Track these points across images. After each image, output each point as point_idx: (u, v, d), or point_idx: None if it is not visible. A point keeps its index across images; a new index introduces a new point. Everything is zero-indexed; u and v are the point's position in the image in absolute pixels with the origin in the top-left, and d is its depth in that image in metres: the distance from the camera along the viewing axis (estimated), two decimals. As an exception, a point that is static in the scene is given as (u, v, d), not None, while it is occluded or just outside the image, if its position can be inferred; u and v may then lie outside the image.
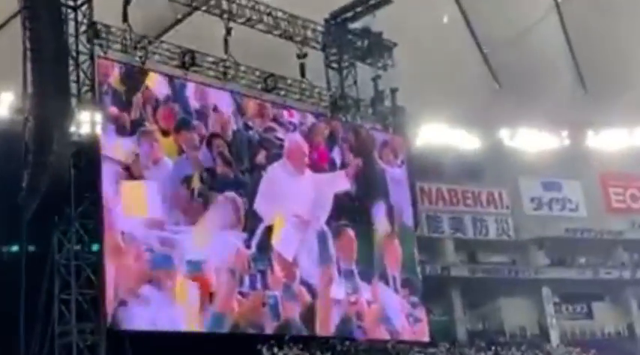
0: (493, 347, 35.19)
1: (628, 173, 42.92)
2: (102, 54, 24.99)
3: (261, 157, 28.70)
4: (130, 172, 24.61)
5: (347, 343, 30.08)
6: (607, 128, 41.37)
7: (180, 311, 24.76)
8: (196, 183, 26.34)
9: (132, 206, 24.32)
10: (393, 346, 31.15)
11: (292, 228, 28.87)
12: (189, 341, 24.63)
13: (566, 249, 41.06)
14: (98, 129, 23.79)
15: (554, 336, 38.40)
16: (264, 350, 28.96)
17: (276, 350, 29.12)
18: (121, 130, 24.86)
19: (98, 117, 23.74)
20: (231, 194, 27.21)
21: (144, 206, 24.87)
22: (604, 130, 41.49)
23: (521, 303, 39.54)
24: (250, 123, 28.79)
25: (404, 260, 31.89)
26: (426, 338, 32.01)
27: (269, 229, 27.96)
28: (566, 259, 41.08)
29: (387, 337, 30.78)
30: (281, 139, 29.50)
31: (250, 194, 27.76)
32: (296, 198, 29.55)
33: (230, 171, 27.56)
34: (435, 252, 38.19)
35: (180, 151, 26.27)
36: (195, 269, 25.18)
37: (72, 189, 22.68)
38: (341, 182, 30.99)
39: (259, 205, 27.96)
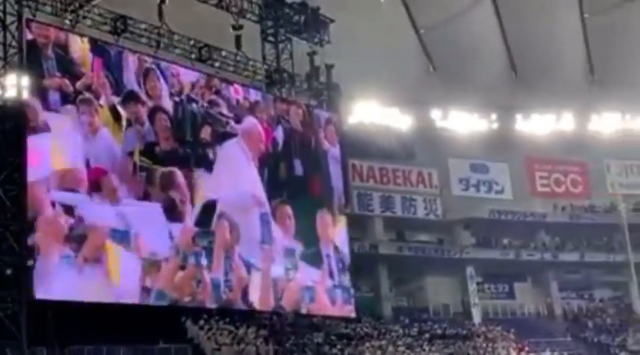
0: (417, 324, 35.30)
1: (553, 157, 43.46)
2: (30, 16, 24.18)
3: (205, 133, 28.44)
4: (60, 140, 24.06)
5: (274, 317, 30.04)
6: (535, 112, 41.64)
7: (109, 283, 24.36)
8: (138, 157, 25.96)
9: (62, 175, 23.80)
10: (320, 321, 31.22)
11: (236, 207, 28.70)
12: (114, 313, 24.31)
13: (490, 230, 41.45)
14: (25, 94, 23.16)
15: (476, 314, 38.81)
16: (189, 323, 28.81)
17: (202, 322, 28.95)
18: (57, 97, 24.30)
19: (25, 80, 23.07)
20: (174, 168, 26.98)
21: (75, 176, 24.32)
22: (532, 115, 41.75)
23: (446, 282, 39.92)
24: (193, 96, 28.40)
25: (335, 237, 31.97)
26: (353, 315, 32.13)
27: (212, 206, 27.81)
28: (491, 240, 41.49)
29: (316, 312, 30.86)
30: (226, 116, 29.23)
31: (194, 169, 27.59)
32: (245, 177, 29.44)
33: (173, 145, 27.24)
34: (365, 229, 38.17)
35: (121, 123, 25.68)
36: (127, 236, 24.91)
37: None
38: (283, 163, 31.04)
39: (204, 181, 27.88)
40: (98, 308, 24.02)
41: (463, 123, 40.74)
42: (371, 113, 37.59)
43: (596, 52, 42.27)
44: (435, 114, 40.22)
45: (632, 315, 38.91)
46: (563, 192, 44.10)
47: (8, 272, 22.04)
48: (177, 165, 27.20)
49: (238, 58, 30.41)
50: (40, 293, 22.28)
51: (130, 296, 25.05)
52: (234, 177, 29.27)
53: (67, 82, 24.59)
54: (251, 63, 31.05)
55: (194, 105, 28.41)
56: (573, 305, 41.42)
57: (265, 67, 31.73)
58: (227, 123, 29.27)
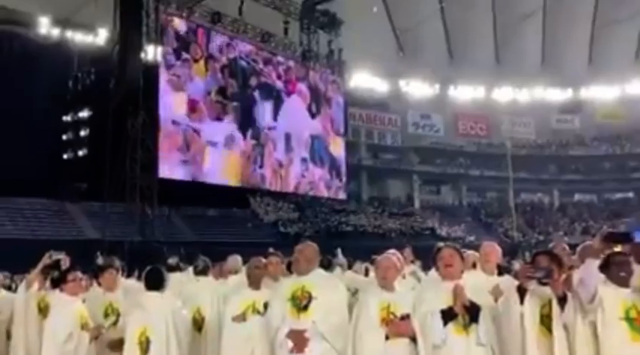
0: (382, 207, 35.80)
1: (472, 112, 42.93)
2: (162, 8, 24.07)
3: (254, 82, 28.00)
4: (175, 84, 24.13)
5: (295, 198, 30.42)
6: (463, 85, 41.12)
7: (205, 170, 24.66)
8: (214, 95, 25.87)
9: (176, 106, 24.01)
10: (324, 201, 31.78)
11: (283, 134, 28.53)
12: (205, 190, 24.78)
13: (429, 154, 41.33)
14: (159, 56, 23.23)
15: (417, 203, 39.22)
16: (251, 198, 29.34)
17: (257, 198, 29.52)
18: (173, 59, 24.32)
19: (159, 49, 23.13)
20: (236, 103, 26.74)
21: (183, 106, 24.50)
22: (461, 86, 41.29)
23: (401, 183, 40.07)
24: (248, 59, 28.01)
25: (338, 154, 31.96)
26: (344, 197, 32.50)
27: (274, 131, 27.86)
28: (429, 160, 41.32)
29: (321, 194, 31.21)
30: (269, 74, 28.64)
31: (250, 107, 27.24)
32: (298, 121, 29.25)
33: (236, 87, 26.87)
34: (355, 150, 38.10)
35: (206, 73, 25.47)
36: (213, 141, 24.94)
37: (140, 92, 22.24)
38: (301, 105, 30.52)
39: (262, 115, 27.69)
40: (197, 184, 24.60)
41: (418, 88, 40.35)
42: (364, 80, 37.17)
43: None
44: (401, 82, 39.76)
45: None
46: (475, 133, 43.79)
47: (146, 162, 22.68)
48: (238, 101, 26.77)
49: (285, 41, 30.05)
50: (163, 174, 22.89)
51: (216, 178, 25.50)
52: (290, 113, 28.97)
53: (180, 49, 24.58)
54: (292, 45, 30.65)
55: (249, 64, 27.85)
56: (473, 199, 41.29)
57: (301, 48, 31.22)
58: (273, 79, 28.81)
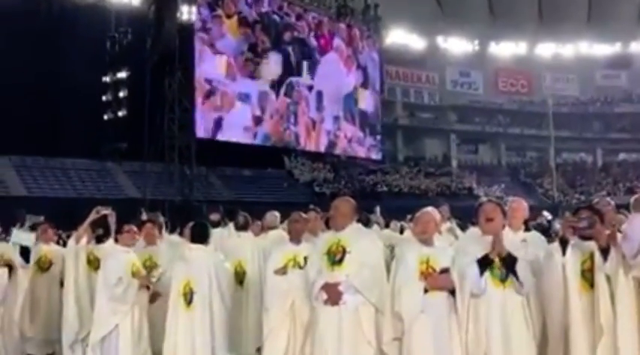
0: (417, 167, 35.50)
1: (513, 69, 41.65)
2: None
3: (287, 37, 27.08)
4: (209, 43, 23.87)
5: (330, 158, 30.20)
6: (504, 41, 39.83)
7: (237, 128, 24.41)
8: (247, 53, 25.23)
9: (209, 65, 23.79)
10: (360, 161, 31.64)
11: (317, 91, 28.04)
12: (241, 150, 24.86)
13: (467, 113, 40.52)
14: (193, 16, 23.14)
15: (454, 163, 38.63)
16: (286, 158, 29.49)
17: (292, 158, 29.65)
18: (208, 14, 23.88)
19: (194, 8, 23.04)
20: (274, 57, 25.96)
21: (216, 64, 24.13)
22: (502, 42, 40.00)
23: (438, 142, 39.39)
24: (280, 13, 27.08)
25: (372, 112, 31.45)
26: (379, 158, 32.16)
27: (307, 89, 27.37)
28: (467, 118, 40.49)
29: (360, 155, 30.84)
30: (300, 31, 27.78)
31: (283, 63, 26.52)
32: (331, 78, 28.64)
33: (268, 43, 26.09)
34: (391, 109, 37.55)
35: (238, 30, 24.82)
36: (247, 100, 24.75)
37: (176, 52, 22.28)
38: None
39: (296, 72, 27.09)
40: (233, 145, 24.68)
41: (456, 45, 39.27)
42: (400, 37, 36.28)
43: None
44: (439, 39, 38.75)
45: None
46: (515, 91, 42.56)
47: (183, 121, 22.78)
48: (271, 58, 25.92)
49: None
50: (200, 134, 23.07)
51: (249, 137, 25.02)
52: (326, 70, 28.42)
53: (213, 5, 24.19)
54: (328, 1, 29.73)
55: (280, 19, 26.86)
56: (512, 159, 40.64)
57: (337, 4, 30.12)
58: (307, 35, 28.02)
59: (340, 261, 4.12)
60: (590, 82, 42.16)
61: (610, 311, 3.61)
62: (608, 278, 3.65)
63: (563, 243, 3.80)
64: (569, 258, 3.75)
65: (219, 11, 24.29)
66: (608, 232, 3.68)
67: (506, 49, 40.32)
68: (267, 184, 27.51)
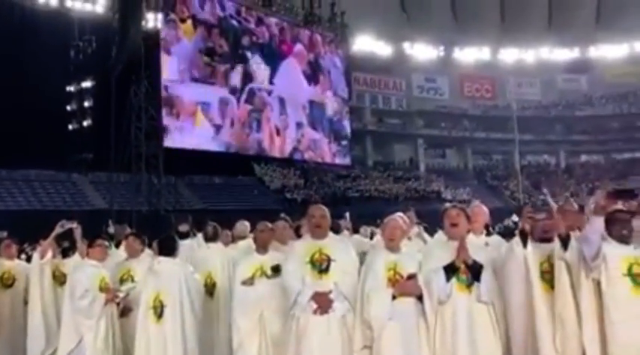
0: (387, 172, 35.79)
1: (477, 74, 42.47)
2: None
3: (246, 42, 26.58)
4: (165, 48, 23.47)
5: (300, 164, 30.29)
6: (468, 46, 40.61)
7: (199, 136, 24.04)
8: (205, 58, 24.75)
9: (168, 71, 23.43)
10: (330, 166, 31.70)
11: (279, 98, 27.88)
12: (209, 158, 24.62)
13: (434, 118, 41.10)
14: (159, 24, 22.90)
15: (422, 167, 39.15)
16: (256, 165, 29.31)
17: (262, 165, 29.50)
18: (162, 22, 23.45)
19: (159, 16, 22.78)
20: (227, 65, 25.57)
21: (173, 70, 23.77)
22: (466, 48, 40.76)
23: (406, 147, 39.87)
24: (239, 18, 26.61)
25: (337, 118, 31.44)
26: (347, 163, 32.38)
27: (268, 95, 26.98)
28: (434, 123, 41.10)
29: (326, 160, 31.00)
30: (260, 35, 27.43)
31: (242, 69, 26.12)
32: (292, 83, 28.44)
33: (226, 48, 25.57)
34: (360, 115, 37.95)
35: (193, 34, 24.35)
36: (207, 107, 24.28)
37: (142, 60, 22.01)
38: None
39: (257, 78, 26.83)
40: (202, 153, 24.39)
41: (422, 51, 39.85)
42: (367, 44, 36.70)
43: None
44: (405, 45, 39.25)
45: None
46: (480, 96, 43.37)
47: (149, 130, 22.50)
48: (229, 63, 25.47)
49: (287, 4, 29.41)
50: (167, 143, 22.75)
51: (211, 145, 24.45)
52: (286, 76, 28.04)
53: (166, 10, 23.76)
54: (295, 8, 29.96)
55: (240, 24, 26.34)
56: (478, 162, 41.24)
57: (304, 12, 30.50)
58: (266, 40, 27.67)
59: (327, 269, 4.12)
60: (551, 86, 43.30)
61: (570, 302, 3.73)
62: (569, 269, 3.76)
63: (524, 236, 3.89)
64: (530, 251, 3.84)
65: (173, 15, 23.78)
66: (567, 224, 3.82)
67: (470, 55, 41.17)
68: (238, 192, 27.27)
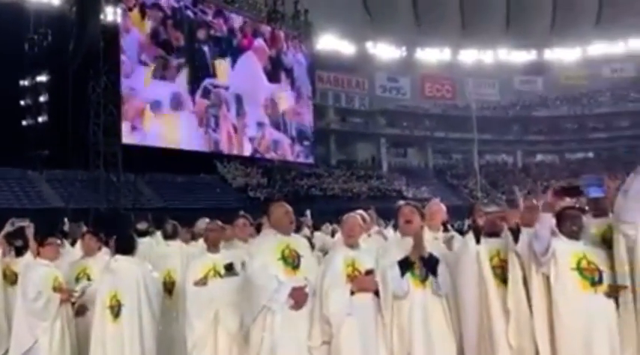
0: (350, 170, 36.03)
1: (438, 74, 43.07)
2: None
3: (201, 35, 25.18)
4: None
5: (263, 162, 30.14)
6: (429, 47, 41.18)
7: (152, 134, 22.88)
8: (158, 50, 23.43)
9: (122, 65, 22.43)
10: (293, 165, 31.62)
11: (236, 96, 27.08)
12: (171, 156, 24.14)
13: (396, 117, 41.48)
14: (118, 18, 22.33)
15: (385, 166, 39.50)
16: (219, 163, 29.04)
17: (225, 163, 29.27)
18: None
19: (118, 10, 22.22)
20: (182, 60, 24.23)
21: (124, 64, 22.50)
22: (427, 48, 41.33)
23: (368, 146, 40.22)
24: (195, 10, 25.33)
25: (300, 117, 31.03)
26: (310, 161, 32.24)
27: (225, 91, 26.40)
28: (396, 123, 41.48)
29: (289, 159, 30.66)
30: (218, 28, 26.26)
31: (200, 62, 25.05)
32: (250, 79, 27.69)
33: (182, 41, 24.29)
34: (323, 113, 37.94)
35: (143, 24, 22.91)
36: (160, 104, 23.11)
37: (101, 54, 21.45)
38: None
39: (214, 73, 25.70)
40: (162, 150, 23.80)
41: (384, 51, 40.18)
42: (331, 42, 36.75)
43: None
44: (369, 45, 39.51)
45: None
46: (440, 96, 44.00)
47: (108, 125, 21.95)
48: (184, 57, 24.22)
49: (250, 1, 29.01)
50: (126, 140, 22.06)
51: (165, 142, 23.35)
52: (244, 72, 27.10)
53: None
54: (258, 5, 29.54)
55: (194, 15, 24.97)
56: (439, 161, 41.90)
57: (267, 9, 30.13)
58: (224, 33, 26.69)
59: (298, 265, 4.14)
60: (509, 87, 44.40)
61: (522, 297, 3.85)
62: (521, 263, 3.88)
63: (477, 232, 3.98)
64: (483, 246, 3.94)
65: (121, 4, 22.30)
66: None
67: (431, 55, 41.81)
68: (200, 190, 26.95)
